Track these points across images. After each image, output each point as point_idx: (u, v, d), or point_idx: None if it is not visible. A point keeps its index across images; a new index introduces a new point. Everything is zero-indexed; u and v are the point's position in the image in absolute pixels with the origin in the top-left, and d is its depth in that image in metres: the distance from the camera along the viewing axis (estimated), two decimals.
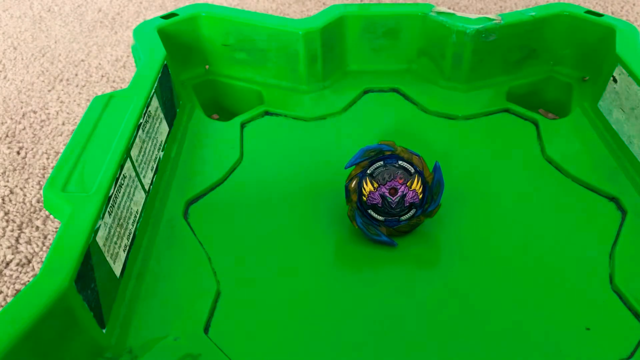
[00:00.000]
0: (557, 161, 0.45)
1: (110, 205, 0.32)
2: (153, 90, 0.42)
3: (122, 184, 0.34)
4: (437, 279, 0.36)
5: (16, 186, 0.49)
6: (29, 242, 0.44)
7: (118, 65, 0.68)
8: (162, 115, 0.43)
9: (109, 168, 0.33)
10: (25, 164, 0.52)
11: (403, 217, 0.37)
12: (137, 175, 0.37)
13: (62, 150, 0.51)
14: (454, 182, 0.42)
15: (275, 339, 0.32)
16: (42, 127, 0.57)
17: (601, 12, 0.67)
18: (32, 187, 0.49)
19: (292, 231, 0.39)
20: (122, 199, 0.34)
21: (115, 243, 0.32)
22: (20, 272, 0.41)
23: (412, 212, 0.37)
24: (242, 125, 0.49)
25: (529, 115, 0.50)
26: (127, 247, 0.34)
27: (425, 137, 0.48)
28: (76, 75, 0.66)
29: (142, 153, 0.38)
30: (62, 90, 0.63)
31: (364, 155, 0.37)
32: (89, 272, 0.29)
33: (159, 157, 0.42)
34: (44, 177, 0.51)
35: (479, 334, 0.32)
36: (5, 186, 0.49)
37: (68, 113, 0.59)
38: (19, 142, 0.55)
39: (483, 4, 0.83)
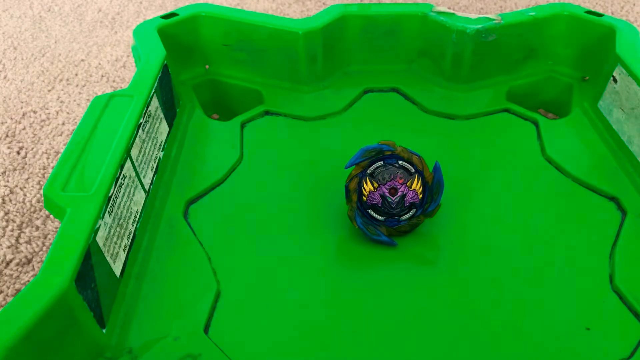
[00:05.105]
0: (557, 161, 0.45)
1: (110, 205, 0.32)
2: (153, 90, 0.42)
3: (122, 184, 0.34)
4: (437, 279, 0.36)
5: (16, 186, 0.49)
6: (29, 242, 0.44)
7: (118, 65, 0.68)
8: (162, 115, 0.43)
9: (109, 168, 0.33)
10: (25, 164, 0.52)
11: (403, 217, 0.38)
12: (137, 175, 0.37)
13: (62, 150, 0.51)
14: (454, 182, 0.42)
15: (275, 338, 0.32)
16: (42, 127, 0.57)
17: (601, 12, 0.67)
18: (32, 187, 0.49)
19: (292, 231, 0.39)
20: (122, 199, 0.34)
21: (115, 243, 0.32)
22: (20, 272, 0.41)
23: (412, 212, 0.37)
24: (242, 125, 0.49)
25: (529, 115, 0.50)
26: (127, 247, 0.34)
27: (425, 137, 0.48)
28: (76, 75, 0.66)
29: (142, 153, 0.38)
30: (62, 90, 0.63)
31: (364, 155, 0.37)
32: (89, 272, 0.29)
33: (159, 157, 0.42)
34: (44, 177, 0.51)
35: (478, 333, 0.32)
36: (5, 186, 0.49)
37: (68, 113, 0.59)
38: (19, 142, 0.55)
39: (483, 4, 0.83)
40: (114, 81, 0.65)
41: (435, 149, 0.46)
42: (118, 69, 0.67)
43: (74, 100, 0.61)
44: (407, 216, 0.38)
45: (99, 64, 0.68)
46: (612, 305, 0.34)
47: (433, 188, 0.38)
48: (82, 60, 0.69)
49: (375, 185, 0.37)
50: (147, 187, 0.38)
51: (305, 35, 0.50)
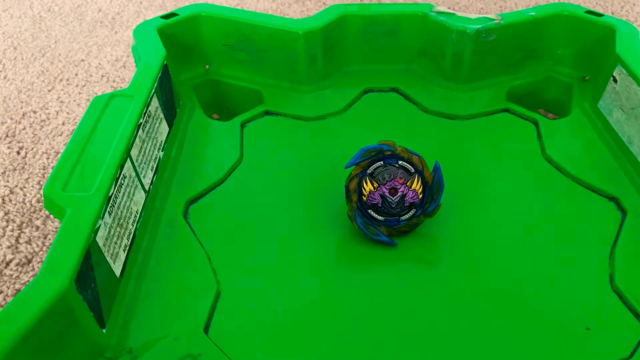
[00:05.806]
0: (557, 161, 0.45)
1: (110, 205, 0.32)
2: (153, 90, 0.42)
3: (122, 184, 0.34)
4: (437, 279, 0.36)
5: (16, 186, 0.49)
6: (29, 242, 0.44)
7: (118, 65, 0.68)
8: (162, 115, 0.43)
9: (109, 168, 0.33)
10: (25, 164, 0.52)
11: (403, 217, 0.38)
12: (137, 175, 0.37)
13: (62, 150, 0.51)
14: (454, 182, 0.42)
15: (275, 338, 0.32)
16: (42, 127, 0.57)
17: (601, 12, 0.67)
18: (32, 187, 0.49)
19: (292, 231, 0.39)
20: (122, 199, 0.34)
21: (115, 243, 0.32)
22: (20, 272, 0.41)
23: (412, 212, 0.37)
24: (242, 125, 0.49)
25: (529, 115, 0.50)
26: (127, 247, 0.34)
27: (425, 137, 0.48)
28: (76, 75, 0.66)
29: (142, 153, 0.38)
30: (62, 90, 0.63)
31: (364, 155, 0.37)
32: (89, 272, 0.29)
33: (159, 157, 0.42)
34: (44, 177, 0.51)
35: (479, 333, 0.32)
36: (5, 186, 0.49)
37: (68, 113, 0.59)
38: (19, 142, 0.55)
39: (483, 4, 0.83)
40: (114, 81, 0.65)
41: (435, 149, 0.46)
42: (118, 69, 0.67)
43: (74, 100, 0.61)
44: (407, 216, 0.38)
45: (99, 64, 0.68)
46: (612, 305, 0.34)
47: (433, 188, 0.38)
48: (82, 60, 0.69)
49: (375, 185, 0.37)
50: (147, 187, 0.38)
51: (305, 35, 0.50)
